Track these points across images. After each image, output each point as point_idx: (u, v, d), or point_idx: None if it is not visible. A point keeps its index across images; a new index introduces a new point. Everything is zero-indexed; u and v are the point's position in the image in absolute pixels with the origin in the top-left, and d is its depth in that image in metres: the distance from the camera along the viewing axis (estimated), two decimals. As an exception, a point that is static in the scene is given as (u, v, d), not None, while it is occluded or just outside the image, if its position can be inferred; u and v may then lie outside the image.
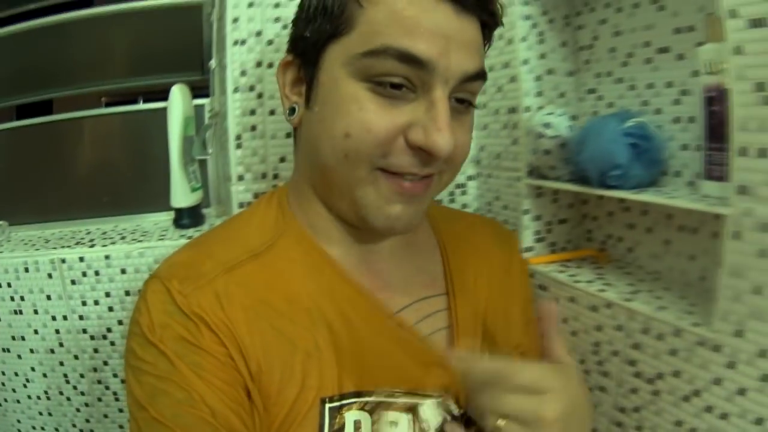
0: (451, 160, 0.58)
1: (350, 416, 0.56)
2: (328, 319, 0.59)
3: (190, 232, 1.15)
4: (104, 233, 1.21)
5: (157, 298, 0.57)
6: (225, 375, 0.53)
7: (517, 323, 0.78)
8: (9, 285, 1.12)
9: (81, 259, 1.09)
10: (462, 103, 0.59)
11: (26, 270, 1.11)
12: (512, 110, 1.05)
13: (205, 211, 1.28)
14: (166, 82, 1.21)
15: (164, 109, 1.17)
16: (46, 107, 1.68)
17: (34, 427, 1.22)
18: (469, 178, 1.20)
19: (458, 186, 1.19)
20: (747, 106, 0.66)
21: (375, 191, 0.58)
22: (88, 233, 1.23)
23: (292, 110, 0.62)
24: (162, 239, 1.12)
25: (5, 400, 1.21)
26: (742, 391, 0.70)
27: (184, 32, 1.38)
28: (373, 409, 0.57)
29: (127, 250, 1.08)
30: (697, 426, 0.76)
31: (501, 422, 0.49)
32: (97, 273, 1.09)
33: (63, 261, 1.10)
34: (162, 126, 1.17)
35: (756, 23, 0.64)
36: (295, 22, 0.62)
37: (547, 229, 1.07)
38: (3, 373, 1.19)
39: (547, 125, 0.95)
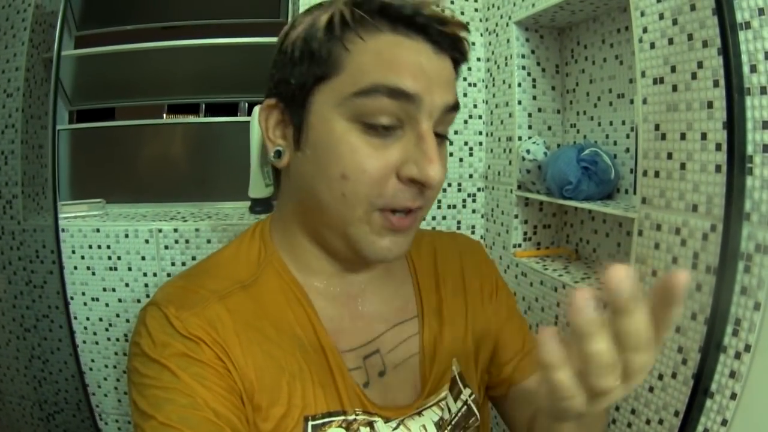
0: (433, 191, 0.60)
1: None
2: (308, 344, 0.62)
3: (262, 216, 1.45)
4: (192, 213, 1.55)
5: (157, 322, 0.58)
6: (224, 383, 0.55)
7: (499, 323, 0.79)
8: (108, 247, 1.42)
9: (175, 230, 1.41)
10: (439, 137, 0.60)
11: (126, 236, 1.42)
12: (509, 139, 1.36)
13: (273, 202, 1.55)
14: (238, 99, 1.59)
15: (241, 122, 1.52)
16: (109, 113, 1.89)
17: (106, 366, 1.48)
18: (479, 189, 1.51)
19: (469, 195, 1.50)
20: (648, 141, 0.93)
21: (369, 228, 0.58)
22: (179, 213, 1.56)
23: (278, 153, 0.62)
24: (241, 220, 1.45)
25: (84, 342, 1.47)
26: (646, 350, 0.95)
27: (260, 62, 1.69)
28: (348, 426, 0.60)
29: (214, 225, 1.40)
30: (619, 379, 1.01)
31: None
32: (187, 241, 1.42)
33: (160, 231, 1.41)
34: (238, 134, 1.51)
35: (656, 81, 0.91)
36: (275, 65, 0.62)
37: (533, 231, 1.36)
38: (87, 318, 1.46)
39: (528, 151, 1.24)
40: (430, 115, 0.56)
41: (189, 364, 0.55)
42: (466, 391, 0.71)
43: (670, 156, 0.88)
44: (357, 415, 0.61)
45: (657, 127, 0.91)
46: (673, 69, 0.86)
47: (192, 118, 1.91)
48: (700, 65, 0.81)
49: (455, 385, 0.70)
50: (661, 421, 0.89)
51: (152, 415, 0.52)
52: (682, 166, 0.86)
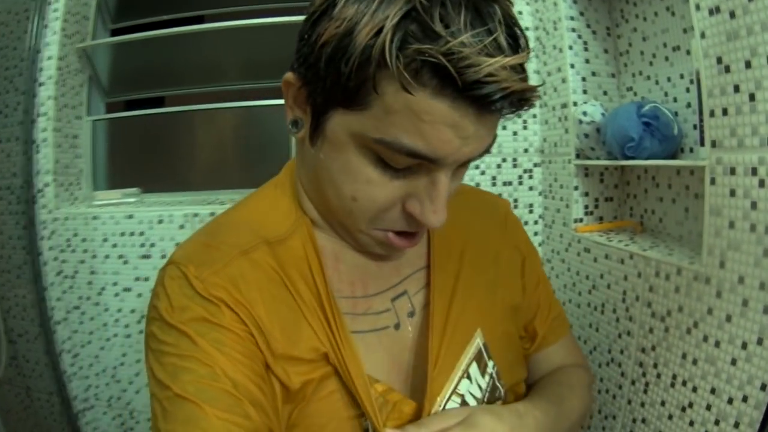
0: None
1: None
2: (331, 304, 0.60)
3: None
4: (232, 199, 1.49)
5: (175, 283, 0.56)
6: (245, 349, 0.54)
7: (512, 286, 0.75)
8: (141, 233, 1.39)
9: (211, 214, 1.34)
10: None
11: (160, 222, 1.38)
12: (564, 106, 1.27)
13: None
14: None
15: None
16: (158, 101, 1.87)
17: (138, 361, 1.42)
18: (535, 165, 1.44)
19: (525, 171, 1.43)
20: (711, 77, 0.84)
21: (370, 238, 0.59)
22: (217, 199, 1.52)
23: (295, 122, 0.58)
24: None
25: (115, 335, 1.44)
26: (728, 318, 0.83)
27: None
28: None
29: (253, 209, 1.37)
30: (697, 356, 0.89)
31: None
32: (226, 228, 1.38)
33: (195, 215, 1.37)
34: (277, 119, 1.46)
35: (712, 11, 0.82)
36: (304, 42, 0.53)
37: (595, 205, 1.26)
38: (119, 310, 1.42)
39: (584, 113, 1.16)
40: (451, 167, 0.52)
41: (209, 329, 0.53)
42: (490, 364, 0.67)
43: (737, 89, 0.79)
44: None
45: (719, 60, 0.82)
46: (729, -7, 0.77)
47: (232, 103, 1.78)
48: (757, -19, 0.72)
49: (481, 357, 0.67)
50: (745, 398, 0.77)
51: (168, 385, 0.51)
52: (752, 97, 0.76)
